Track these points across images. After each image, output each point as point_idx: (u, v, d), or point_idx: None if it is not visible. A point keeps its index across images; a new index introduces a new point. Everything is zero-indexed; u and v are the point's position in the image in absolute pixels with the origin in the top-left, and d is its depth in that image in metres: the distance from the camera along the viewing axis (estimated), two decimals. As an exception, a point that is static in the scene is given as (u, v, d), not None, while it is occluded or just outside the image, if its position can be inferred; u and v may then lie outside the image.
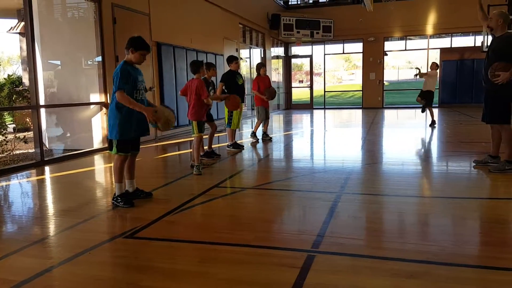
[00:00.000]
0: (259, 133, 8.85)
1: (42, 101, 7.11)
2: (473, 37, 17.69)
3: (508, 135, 5.19)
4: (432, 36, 18.30)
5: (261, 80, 8.49)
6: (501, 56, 5.03)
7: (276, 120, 14.45)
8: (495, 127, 5.39)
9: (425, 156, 7.12)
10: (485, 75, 5.23)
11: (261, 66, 8.66)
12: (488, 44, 5.41)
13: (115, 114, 4.02)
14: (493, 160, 5.50)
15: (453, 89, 17.92)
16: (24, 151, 8.26)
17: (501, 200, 4.37)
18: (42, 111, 6.99)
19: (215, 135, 7.22)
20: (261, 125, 8.70)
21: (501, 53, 5.05)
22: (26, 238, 3.34)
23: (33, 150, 7.20)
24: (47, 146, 7.70)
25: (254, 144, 8.31)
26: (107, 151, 7.69)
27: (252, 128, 9.26)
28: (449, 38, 18.09)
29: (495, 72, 5.01)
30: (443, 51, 18.02)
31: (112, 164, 4.55)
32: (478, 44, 16.66)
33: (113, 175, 4.18)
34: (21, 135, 9.24)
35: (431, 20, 17.65)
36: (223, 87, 7.21)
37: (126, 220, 3.83)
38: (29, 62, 6.53)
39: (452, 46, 18.08)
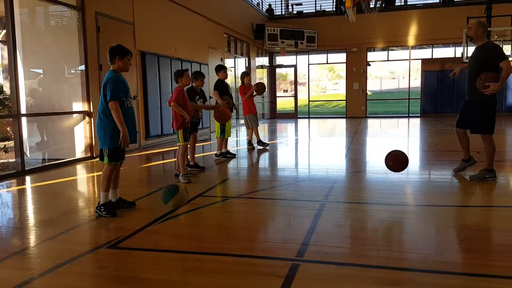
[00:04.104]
0: (244, 142, 8.87)
1: (23, 110, 7.01)
2: (453, 48, 18.06)
3: (489, 144, 5.21)
4: (413, 47, 18.65)
5: (247, 88, 8.60)
6: (486, 66, 4.94)
7: (261, 129, 14.44)
8: (460, 132, 5.53)
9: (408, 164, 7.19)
10: (470, 87, 5.16)
11: (245, 75, 8.78)
12: (469, 55, 5.48)
13: (106, 123, 3.99)
14: (467, 163, 5.62)
15: (434, 98, 18.25)
16: (5, 161, 8.09)
17: (481, 208, 4.44)
18: (24, 120, 6.87)
19: (197, 144, 7.21)
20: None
21: (486, 63, 4.97)
22: (5, 249, 3.27)
23: (13, 160, 7.06)
24: (28, 155, 7.56)
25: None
26: (90, 161, 7.60)
27: (239, 137, 9.22)
28: (430, 49, 18.46)
29: (485, 83, 4.88)
30: (424, 61, 18.37)
31: (95, 173, 4.50)
32: (458, 55, 17.01)
33: (101, 184, 4.12)
34: (1, 144, 9.06)
35: (413, 31, 18.00)
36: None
37: (109, 230, 3.77)
38: (11, 70, 6.44)
39: (433, 57, 18.46)
